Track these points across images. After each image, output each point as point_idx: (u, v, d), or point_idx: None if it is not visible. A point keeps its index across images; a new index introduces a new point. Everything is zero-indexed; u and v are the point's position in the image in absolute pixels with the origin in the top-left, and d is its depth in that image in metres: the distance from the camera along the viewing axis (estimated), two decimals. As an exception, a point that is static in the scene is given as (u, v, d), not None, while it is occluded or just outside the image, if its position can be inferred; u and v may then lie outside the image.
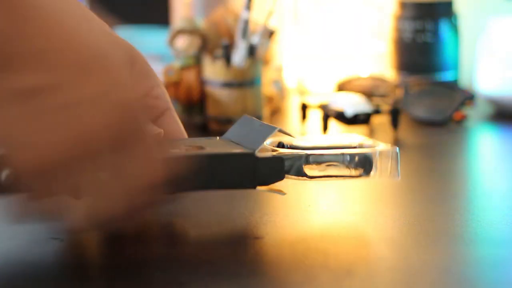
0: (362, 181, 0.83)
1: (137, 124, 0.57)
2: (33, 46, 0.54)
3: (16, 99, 0.53)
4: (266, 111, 1.07)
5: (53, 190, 0.56)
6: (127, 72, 0.58)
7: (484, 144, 1.01)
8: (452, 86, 1.10)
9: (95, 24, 0.58)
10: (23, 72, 0.53)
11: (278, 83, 1.14)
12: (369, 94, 1.12)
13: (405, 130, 1.02)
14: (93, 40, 0.56)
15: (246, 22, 1.02)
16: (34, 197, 0.57)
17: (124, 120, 0.56)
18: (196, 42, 1.07)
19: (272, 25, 1.06)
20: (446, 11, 1.17)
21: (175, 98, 1.04)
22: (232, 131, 0.69)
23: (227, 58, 1.00)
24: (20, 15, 0.54)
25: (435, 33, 1.16)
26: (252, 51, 1.02)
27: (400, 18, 1.17)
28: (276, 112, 1.13)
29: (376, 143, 0.70)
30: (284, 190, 0.67)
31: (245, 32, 1.02)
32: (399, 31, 1.18)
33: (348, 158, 0.67)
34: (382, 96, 1.12)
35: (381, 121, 1.04)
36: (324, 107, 1.00)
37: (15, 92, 0.53)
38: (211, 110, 1.01)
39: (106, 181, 0.57)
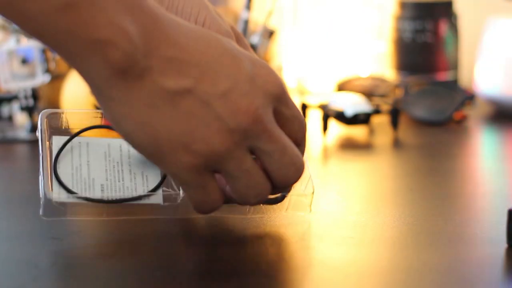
0: (362, 181, 0.83)
1: (285, 97, 0.61)
2: (178, 53, 0.58)
3: (171, 100, 0.58)
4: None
5: (210, 183, 0.61)
6: (251, 55, 0.61)
7: (484, 144, 1.01)
8: (452, 86, 1.10)
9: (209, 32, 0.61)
10: (173, 75, 0.57)
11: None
12: (369, 94, 1.12)
13: (405, 130, 1.02)
14: (214, 39, 0.60)
15: (246, 22, 1.02)
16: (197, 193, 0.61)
17: (268, 101, 0.60)
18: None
19: (272, 25, 1.06)
20: (446, 11, 1.17)
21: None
22: None
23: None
24: (167, 27, 0.58)
25: (435, 33, 1.16)
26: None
27: (400, 18, 1.17)
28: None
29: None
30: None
31: (245, 32, 1.02)
32: (399, 31, 1.18)
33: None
34: (382, 96, 1.11)
35: (381, 121, 1.04)
36: (324, 107, 1.00)
37: (169, 94, 0.58)
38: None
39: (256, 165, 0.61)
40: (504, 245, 0.62)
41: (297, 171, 0.61)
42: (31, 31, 0.55)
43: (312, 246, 0.63)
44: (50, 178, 0.66)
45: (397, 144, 0.96)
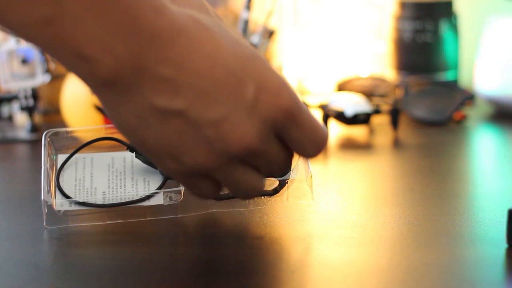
0: (362, 181, 0.83)
1: (294, 119, 0.59)
2: (175, 73, 0.56)
3: (160, 117, 0.56)
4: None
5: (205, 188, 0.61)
6: (272, 71, 0.59)
7: (484, 144, 1.01)
8: (452, 86, 1.10)
9: (225, 39, 0.58)
10: (165, 94, 0.56)
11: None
12: (369, 94, 1.12)
13: (405, 130, 1.02)
14: (230, 56, 0.57)
15: (246, 22, 1.02)
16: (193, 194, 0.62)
17: (279, 122, 0.58)
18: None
19: (272, 25, 1.06)
20: (446, 11, 1.17)
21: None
22: None
23: (227, 58, 1.00)
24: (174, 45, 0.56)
25: (435, 33, 1.16)
26: (252, 51, 1.02)
27: (400, 18, 1.17)
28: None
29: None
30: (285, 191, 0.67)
31: (245, 32, 1.02)
32: (399, 31, 1.18)
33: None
34: (382, 96, 1.11)
35: (381, 121, 1.04)
36: (324, 107, 1.00)
37: (159, 111, 0.56)
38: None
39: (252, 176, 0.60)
40: (504, 245, 0.62)
41: (283, 170, 0.62)
42: (21, 38, 0.55)
43: (312, 246, 0.63)
44: (53, 189, 0.67)
45: (397, 144, 0.96)
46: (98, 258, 0.63)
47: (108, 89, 0.56)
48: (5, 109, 1.01)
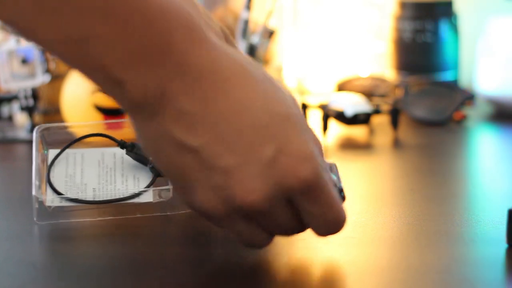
0: (362, 181, 0.83)
1: (312, 193, 0.56)
2: (197, 109, 0.54)
3: (176, 147, 0.55)
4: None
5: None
6: (303, 136, 0.56)
7: (484, 144, 1.01)
8: (452, 86, 1.10)
9: (259, 86, 0.56)
10: (183, 128, 0.54)
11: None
12: (369, 94, 1.12)
13: (405, 130, 1.02)
14: (259, 108, 0.55)
15: (246, 22, 1.02)
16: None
17: (309, 174, 0.55)
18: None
19: (272, 25, 1.06)
20: (446, 11, 1.17)
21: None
22: None
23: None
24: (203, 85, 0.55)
25: (435, 33, 1.16)
26: (252, 51, 1.02)
27: (400, 18, 1.17)
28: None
29: None
30: None
31: (245, 32, 1.02)
32: (399, 31, 1.18)
33: None
34: (382, 96, 1.11)
35: (381, 121, 1.04)
36: (324, 107, 1.00)
37: (176, 142, 0.55)
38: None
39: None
40: (504, 245, 0.62)
41: (292, 235, 0.60)
42: (52, 54, 0.55)
43: (312, 246, 0.63)
44: (44, 185, 0.68)
45: (397, 144, 0.96)
46: (97, 258, 0.63)
47: (135, 110, 0.55)
48: (5, 109, 1.01)
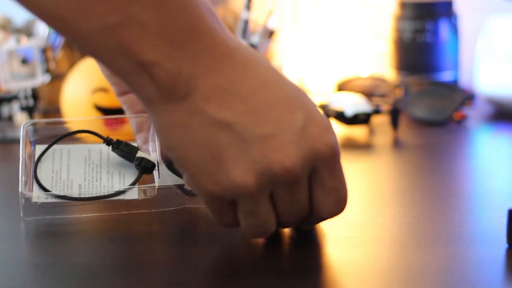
0: (362, 181, 0.83)
1: (332, 163, 0.59)
2: (228, 83, 0.57)
3: (208, 127, 0.56)
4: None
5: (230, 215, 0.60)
6: (320, 111, 0.59)
7: (484, 144, 1.01)
8: (452, 86, 1.10)
9: (277, 70, 0.60)
10: (216, 103, 0.56)
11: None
12: (369, 94, 1.12)
13: (405, 130, 1.02)
14: (283, 84, 0.58)
15: (246, 22, 1.02)
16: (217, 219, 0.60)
17: (320, 152, 0.58)
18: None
19: (272, 25, 1.06)
20: (446, 11, 1.17)
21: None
22: None
23: (227, 58, 1.00)
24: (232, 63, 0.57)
25: (435, 33, 1.16)
26: (252, 51, 1.02)
27: (400, 18, 1.17)
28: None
29: None
30: None
31: (245, 32, 1.02)
32: (399, 31, 1.18)
33: None
34: (382, 96, 1.11)
35: (381, 121, 1.04)
36: (324, 107, 1.00)
37: (208, 120, 0.56)
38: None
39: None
40: (504, 245, 0.62)
41: (298, 220, 0.61)
42: (83, 48, 0.56)
43: (312, 246, 0.63)
44: (30, 181, 0.68)
45: (397, 144, 0.96)
46: (97, 258, 0.63)
47: (162, 99, 0.56)
48: (5, 109, 1.01)
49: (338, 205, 0.60)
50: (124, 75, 0.57)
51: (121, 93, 0.73)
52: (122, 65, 0.56)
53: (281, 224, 0.61)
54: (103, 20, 0.54)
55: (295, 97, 0.58)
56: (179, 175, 0.69)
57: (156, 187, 0.68)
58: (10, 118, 1.02)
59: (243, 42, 0.60)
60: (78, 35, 0.55)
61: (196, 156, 0.57)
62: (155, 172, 0.69)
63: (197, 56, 0.56)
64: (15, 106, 1.01)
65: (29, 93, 1.00)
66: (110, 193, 0.68)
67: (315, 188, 0.59)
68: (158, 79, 0.55)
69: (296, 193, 0.59)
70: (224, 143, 0.57)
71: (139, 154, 0.70)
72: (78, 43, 0.56)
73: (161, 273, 0.58)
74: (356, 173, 0.86)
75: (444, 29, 1.16)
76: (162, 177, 0.69)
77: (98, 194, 0.68)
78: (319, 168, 0.58)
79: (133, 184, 0.69)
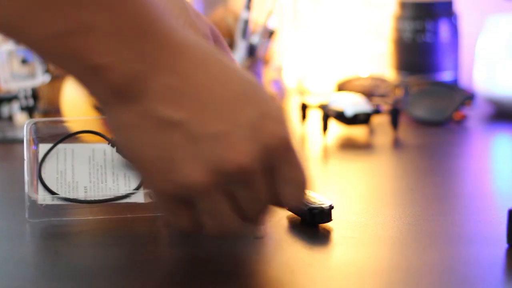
0: (362, 181, 0.83)
1: (289, 155, 0.58)
2: (179, 83, 0.56)
3: (159, 127, 0.56)
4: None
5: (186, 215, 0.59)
6: (274, 103, 0.59)
7: (484, 144, 1.01)
8: (452, 86, 1.10)
9: (231, 65, 0.59)
10: (167, 104, 0.56)
11: (278, 83, 1.14)
12: (369, 94, 1.12)
13: (405, 130, 1.02)
14: (235, 79, 0.58)
15: (246, 22, 1.02)
16: (170, 219, 0.59)
17: (274, 149, 0.57)
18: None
19: (272, 25, 1.06)
20: (446, 11, 1.17)
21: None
22: None
23: (227, 58, 1.00)
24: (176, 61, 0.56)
25: (435, 33, 1.16)
26: (252, 51, 1.02)
27: (400, 18, 1.17)
28: (276, 112, 1.12)
29: None
30: None
31: (245, 32, 1.02)
32: (399, 31, 1.18)
33: None
34: (382, 96, 1.11)
35: (381, 121, 1.04)
36: (324, 107, 1.00)
37: (158, 121, 0.56)
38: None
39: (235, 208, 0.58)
40: (504, 245, 0.62)
41: (261, 218, 0.60)
42: (35, 53, 0.56)
43: (312, 246, 0.63)
44: (35, 182, 0.68)
45: (397, 144, 0.96)
46: (98, 258, 0.63)
47: (115, 100, 0.56)
48: (5, 109, 1.01)
49: (300, 192, 0.60)
50: (77, 78, 0.56)
51: None
52: (74, 69, 0.56)
53: (247, 220, 0.60)
54: (51, 28, 0.54)
55: (248, 92, 0.58)
56: None
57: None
58: (10, 118, 1.02)
59: (200, 39, 0.59)
60: (29, 42, 0.55)
61: (149, 157, 0.57)
62: None
63: (149, 56, 0.55)
64: (15, 106, 1.01)
65: (29, 93, 1.00)
66: (116, 196, 0.68)
67: (276, 181, 0.59)
68: (110, 81, 0.55)
69: (255, 189, 0.58)
70: (176, 142, 0.56)
71: None
72: (31, 49, 0.56)
73: (161, 273, 0.58)
74: (356, 173, 0.86)
75: (444, 29, 1.16)
76: None
77: (104, 197, 0.68)
78: (276, 162, 0.58)
79: (139, 186, 0.69)
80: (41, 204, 0.67)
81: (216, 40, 0.70)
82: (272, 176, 0.58)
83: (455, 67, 1.17)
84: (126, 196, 0.68)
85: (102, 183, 0.69)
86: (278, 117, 0.58)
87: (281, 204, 0.60)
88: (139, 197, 0.68)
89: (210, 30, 0.70)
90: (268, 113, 0.57)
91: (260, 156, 0.57)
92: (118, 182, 0.69)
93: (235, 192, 0.58)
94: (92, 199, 0.68)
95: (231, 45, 1.04)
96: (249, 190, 0.58)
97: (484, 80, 1.10)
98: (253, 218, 0.60)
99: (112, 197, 0.68)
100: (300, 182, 0.59)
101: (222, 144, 0.56)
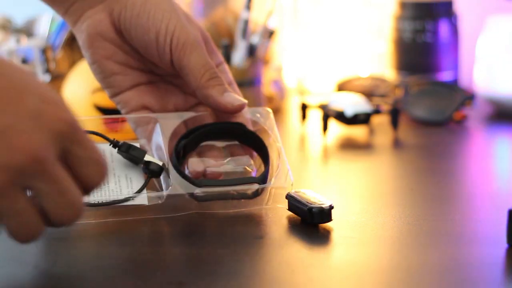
0: (362, 181, 0.83)
1: (77, 136, 0.57)
2: None
3: None
4: (266, 111, 1.07)
5: None
6: (51, 90, 0.58)
7: (484, 144, 1.01)
8: (452, 86, 1.10)
9: (5, 60, 0.58)
10: None
11: (278, 83, 1.14)
12: (369, 94, 1.12)
13: (405, 130, 1.02)
14: (12, 72, 0.57)
15: (246, 22, 1.02)
16: None
17: (64, 133, 0.56)
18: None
19: (272, 25, 1.06)
20: (446, 11, 1.17)
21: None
22: None
23: (227, 58, 1.00)
24: None
25: (435, 33, 1.16)
26: (252, 51, 1.02)
27: (400, 18, 1.17)
28: (276, 112, 1.12)
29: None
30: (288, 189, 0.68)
31: (245, 32, 1.02)
32: (399, 31, 1.18)
33: None
34: (382, 96, 1.11)
35: (381, 121, 1.04)
36: (324, 107, 1.00)
37: None
38: (211, 110, 1.01)
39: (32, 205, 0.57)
40: (504, 245, 0.62)
41: (75, 213, 0.58)
42: None
43: (312, 246, 0.63)
44: None
45: (397, 144, 0.96)
46: (98, 258, 0.63)
47: None
48: (5, 109, 1.01)
49: (100, 171, 0.58)
50: None
51: (114, 95, 0.74)
52: None
53: (55, 223, 0.58)
54: None
55: (24, 83, 0.57)
56: (186, 178, 0.69)
57: (165, 194, 0.68)
58: (10, 118, 1.02)
59: None
60: None
61: None
62: (164, 176, 0.69)
63: None
64: (15, 106, 1.00)
65: (29, 93, 0.99)
66: (120, 198, 0.68)
67: (74, 165, 0.58)
68: None
69: (52, 180, 0.56)
70: None
71: (147, 157, 0.69)
72: None
73: (161, 273, 0.58)
74: (356, 173, 0.86)
75: (444, 29, 1.16)
76: (173, 185, 0.68)
77: (107, 199, 0.68)
78: (66, 144, 0.57)
79: (142, 189, 0.68)
80: None
81: (206, 43, 0.72)
82: (72, 161, 0.57)
83: (455, 67, 1.17)
84: (130, 198, 0.68)
85: (104, 185, 0.69)
86: (58, 101, 0.57)
87: (87, 191, 0.58)
88: (143, 199, 0.68)
89: (201, 33, 0.72)
90: (48, 100, 0.57)
91: (49, 142, 0.56)
92: (120, 184, 0.69)
93: (39, 191, 0.56)
94: (95, 202, 0.67)
95: (231, 45, 1.04)
96: (48, 182, 0.56)
97: (484, 80, 1.10)
98: (59, 216, 0.57)
99: (116, 199, 0.68)
100: (96, 159, 0.58)
101: (9, 136, 0.55)
